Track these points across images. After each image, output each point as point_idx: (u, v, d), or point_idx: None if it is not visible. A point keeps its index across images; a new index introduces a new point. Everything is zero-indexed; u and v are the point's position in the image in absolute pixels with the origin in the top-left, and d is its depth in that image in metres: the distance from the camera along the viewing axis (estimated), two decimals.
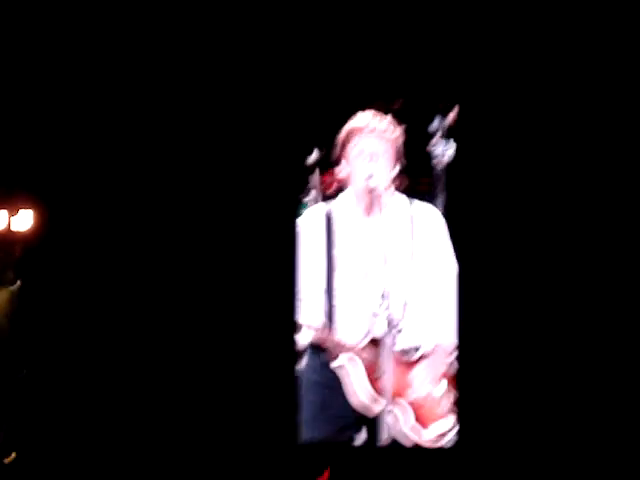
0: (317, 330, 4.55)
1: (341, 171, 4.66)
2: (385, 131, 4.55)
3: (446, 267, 4.69)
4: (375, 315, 4.46)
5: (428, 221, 4.69)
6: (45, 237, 4.83)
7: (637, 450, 4.58)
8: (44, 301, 4.84)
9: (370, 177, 4.50)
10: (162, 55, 4.77)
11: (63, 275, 4.83)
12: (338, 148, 4.62)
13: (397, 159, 4.61)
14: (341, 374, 4.56)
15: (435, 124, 4.70)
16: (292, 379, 4.63)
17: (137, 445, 4.72)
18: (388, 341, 4.37)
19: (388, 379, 4.37)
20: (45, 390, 4.80)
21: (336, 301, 4.58)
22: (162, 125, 4.78)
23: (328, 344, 4.54)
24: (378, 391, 4.49)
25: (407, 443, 4.57)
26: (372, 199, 4.50)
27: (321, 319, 4.59)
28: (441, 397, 4.65)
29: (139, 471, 4.69)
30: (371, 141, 4.54)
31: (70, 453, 4.73)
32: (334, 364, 4.57)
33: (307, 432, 4.60)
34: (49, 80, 4.81)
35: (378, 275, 4.49)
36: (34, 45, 4.80)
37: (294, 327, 4.59)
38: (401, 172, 4.63)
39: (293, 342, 4.63)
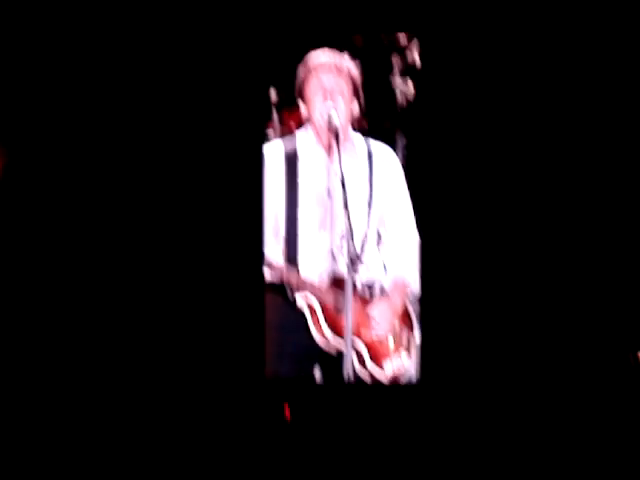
0: (279, 268, 4.57)
1: (301, 109, 4.66)
2: (342, 68, 4.55)
3: (403, 208, 4.73)
4: (335, 253, 4.49)
5: (385, 160, 4.71)
6: (7, 180, 4.83)
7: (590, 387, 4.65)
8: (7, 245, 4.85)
9: (328, 114, 4.51)
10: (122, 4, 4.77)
11: (28, 217, 4.84)
12: (297, 86, 4.62)
13: (356, 97, 4.61)
14: (305, 310, 4.60)
15: (393, 60, 4.68)
16: (259, 315, 4.66)
17: (102, 380, 4.75)
18: (349, 279, 4.40)
19: (349, 317, 4.39)
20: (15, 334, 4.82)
21: (298, 239, 4.61)
22: (128, 72, 4.78)
23: (291, 281, 4.57)
24: (338, 330, 4.53)
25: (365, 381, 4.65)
26: (331, 137, 4.50)
27: (283, 258, 4.62)
28: (397, 335, 4.71)
29: (105, 408, 4.72)
30: (328, 78, 4.53)
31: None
32: (298, 301, 4.60)
33: (270, 369, 4.64)
34: (19, 32, 4.80)
35: (338, 214, 4.53)
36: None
37: (261, 263, 4.61)
38: (360, 110, 4.64)
39: (261, 278, 4.64)
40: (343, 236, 4.43)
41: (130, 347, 4.73)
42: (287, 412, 4.58)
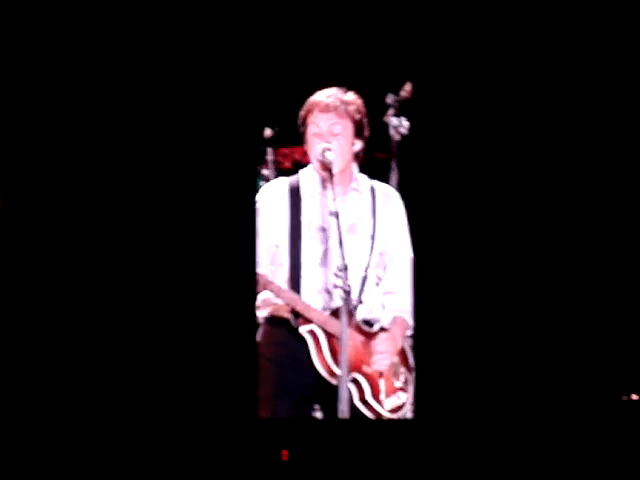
0: (285, 292, 4.55)
1: (304, 147, 4.70)
2: (342, 107, 4.57)
3: (403, 248, 4.76)
4: (334, 287, 4.48)
5: (388, 201, 4.75)
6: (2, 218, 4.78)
7: (587, 419, 4.69)
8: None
9: (325, 154, 4.53)
10: (115, 28, 4.75)
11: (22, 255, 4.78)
12: (299, 125, 4.65)
13: (358, 135, 4.64)
14: (309, 340, 4.58)
15: (388, 100, 4.74)
16: (252, 355, 4.63)
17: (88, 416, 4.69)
18: (343, 314, 4.37)
19: (345, 351, 4.36)
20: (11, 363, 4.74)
21: (301, 273, 4.62)
22: (120, 102, 4.76)
23: (296, 307, 4.55)
24: (338, 363, 4.52)
25: (363, 416, 4.64)
26: (330, 175, 4.51)
27: (287, 287, 4.62)
28: (396, 371, 4.72)
29: (88, 439, 4.65)
30: (328, 118, 4.57)
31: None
32: (303, 329, 4.58)
33: (265, 408, 4.61)
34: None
35: (334, 250, 4.54)
36: None
37: (254, 302, 4.60)
38: (364, 148, 4.67)
39: (253, 317, 4.64)
40: (340, 270, 4.42)
41: (121, 385, 4.68)
42: (284, 456, 4.56)
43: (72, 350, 4.68)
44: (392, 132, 4.77)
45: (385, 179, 4.78)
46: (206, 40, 4.74)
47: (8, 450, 4.55)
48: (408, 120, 4.78)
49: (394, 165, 4.78)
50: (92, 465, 4.58)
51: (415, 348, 4.75)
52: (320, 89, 4.62)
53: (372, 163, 4.75)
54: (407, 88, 4.77)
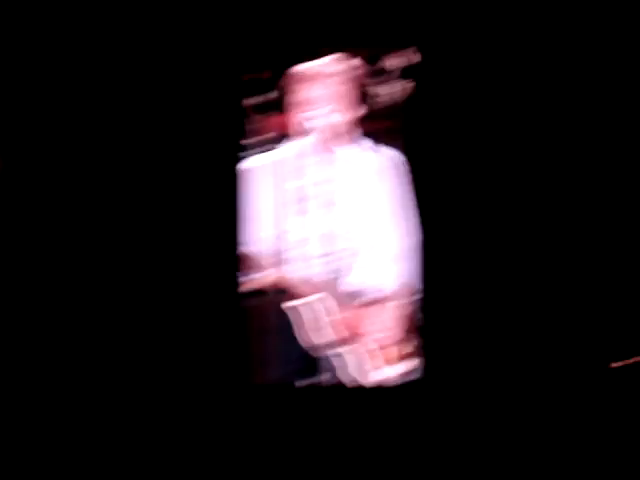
0: (271, 270, 4.53)
1: (287, 115, 4.60)
2: (332, 74, 4.50)
3: (399, 214, 4.67)
4: (324, 257, 4.44)
5: (385, 165, 4.65)
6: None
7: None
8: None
9: (311, 122, 4.50)
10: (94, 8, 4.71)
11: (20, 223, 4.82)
12: (284, 92, 4.57)
13: (350, 102, 4.56)
14: (293, 316, 4.55)
15: (387, 64, 4.66)
16: (242, 322, 4.63)
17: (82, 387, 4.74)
18: (336, 284, 4.40)
19: (336, 322, 4.40)
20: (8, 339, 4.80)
21: (287, 245, 4.56)
22: (108, 80, 4.74)
23: (282, 284, 4.53)
24: (328, 335, 4.52)
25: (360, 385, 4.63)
26: (319, 142, 4.50)
27: (273, 262, 4.57)
28: (397, 341, 4.66)
29: (86, 413, 4.71)
30: (316, 85, 4.50)
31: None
32: (290, 304, 4.55)
33: (259, 376, 4.62)
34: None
35: (326, 218, 4.51)
36: None
37: (237, 276, 4.58)
38: (360, 115, 4.59)
39: (238, 289, 4.61)
40: (329, 240, 4.39)
41: (113, 354, 4.71)
42: None
43: (61, 331, 4.74)
44: (393, 97, 4.68)
45: (389, 145, 4.68)
46: (188, 8, 4.67)
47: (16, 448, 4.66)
48: (409, 85, 4.67)
49: (397, 131, 4.70)
50: (86, 441, 4.63)
51: (423, 312, 4.66)
52: (311, 54, 4.56)
53: (375, 132, 4.65)
54: (408, 53, 4.67)
